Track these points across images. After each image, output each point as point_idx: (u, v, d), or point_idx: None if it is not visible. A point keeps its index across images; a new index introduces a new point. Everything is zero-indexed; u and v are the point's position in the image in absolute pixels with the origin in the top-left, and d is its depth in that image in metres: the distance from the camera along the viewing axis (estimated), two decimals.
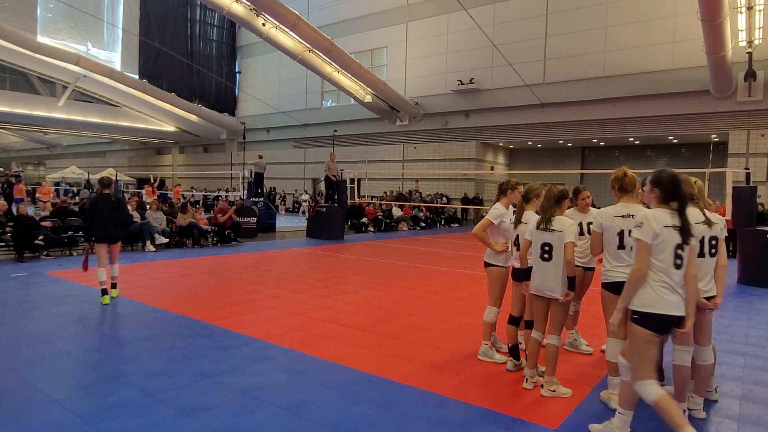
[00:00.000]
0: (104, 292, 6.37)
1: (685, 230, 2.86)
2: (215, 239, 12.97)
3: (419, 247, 13.85)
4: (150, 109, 32.53)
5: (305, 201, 24.21)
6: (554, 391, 3.72)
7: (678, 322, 2.90)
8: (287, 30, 19.40)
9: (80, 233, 10.77)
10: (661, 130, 18.77)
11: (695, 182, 3.53)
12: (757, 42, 15.29)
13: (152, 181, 23.48)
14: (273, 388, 3.77)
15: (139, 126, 34.46)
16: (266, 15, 19.05)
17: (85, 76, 29.72)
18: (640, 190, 3.50)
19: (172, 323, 5.48)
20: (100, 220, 6.38)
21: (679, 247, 2.86)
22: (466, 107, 23.20)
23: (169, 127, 35.15)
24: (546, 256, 3.72)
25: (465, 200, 23.10)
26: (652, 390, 2.83)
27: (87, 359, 4.34)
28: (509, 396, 3.74)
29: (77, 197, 24.11)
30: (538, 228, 3.77)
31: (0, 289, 7.00)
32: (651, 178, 3.03)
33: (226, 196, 24.19)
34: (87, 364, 4.23)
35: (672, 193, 2.93)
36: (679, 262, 2.87)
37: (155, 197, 17.36)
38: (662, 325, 2.88)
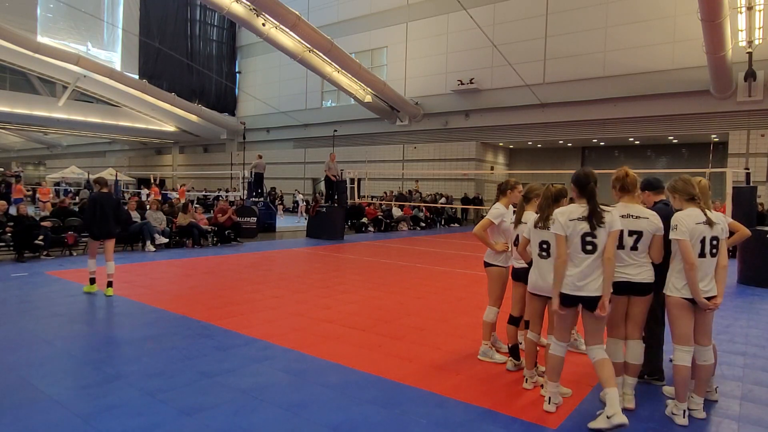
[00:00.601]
0: (92, 281, 6.78)
1: (591, 218, 3.23)
2: (215, 239, 12.97)
3: (419, 247, 13.85)
4: (150, 109, 32.52)
5: (302, 201, 24.29)
6: None
7: (578, 301, 3.31)
8: (287, 30, 19.39)
9: (81, 234, 10.78)
10: (661, 130, 18.77)
11: (699, 182, 3.52)
12: (757, 42, 15.28)
13: (153, 181, 23.46)
14: (273, 388, 3.77)
15: (139, 126, 34.46)
16: (266, 15, 19.04)
17: (85, 76, 29.73)
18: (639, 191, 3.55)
19: (172, 323, 5.47)
20: (101, 217, 6.71)
21: (588, 234, 3.24)
22: (466, 107, 23.20)
23: (169, 127, 35.15)
24: (544, 254, 3.71)
25: (465, 200, 23.11)
26: (556, 348, 3.49)
27: (87, 359, 4.34)
28: (509, 396, 3.74)
29: (77, 197, 24.11)
30: (535, 226, 3.77)
31: (0, 289, 7.00)
32: (571, 178, 3.43)
33: (226, 196, 24.19)
34: (87, 364, 4.23)
35: (582, 189, 3.33)
36: (589, 248, 3.26)
37: (158, 197, 17.36)
38: (565, 300, 3.34)
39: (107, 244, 6.82)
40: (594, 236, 3.25)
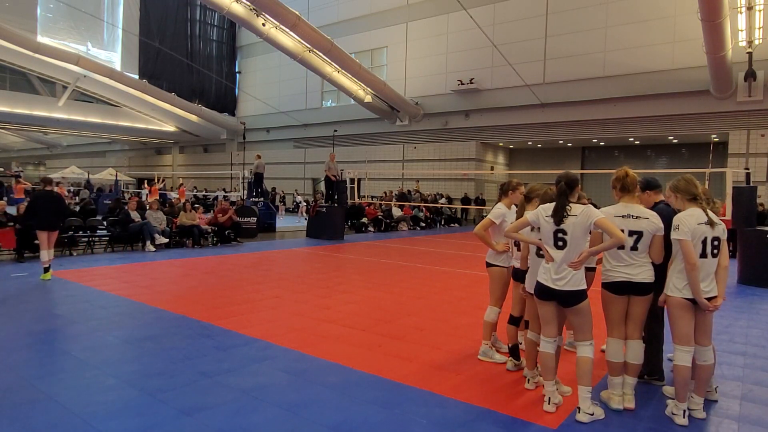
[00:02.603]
0: (46, 270, 7.61)
1: (555, 215, 3.37)
2: (215, 239, 12.97)
3: (419, 247, 13.85)
4: (150, 109, 32.52)
5: (303, 202, 24.31)
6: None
7: (551, 292, 3.40)
8: (287, 30, 19.40)
9: (80, 233, 10.86)
10: (661, 130, 18.77)
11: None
12: (757, 42, 15.28)
13: (156, 181, 23.37)
14: (273, 388, 3.77)
15: (139, 126, 34.46)
16: (266, 15, 19.05)
17: (85, 76, 29.74)
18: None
19: (172, 323, 5.47)
20: (43, 212, 7.58)
21: (559, 231, 3.38)
22: (466, 107, 23.20)
23: (169, 127, 35.15)
24: (541, 254, 3.71)
25: (465, 200, 23.12)
26: (545, 345, 3.55)
27: (87, 359, 4.34)
28: (509, 396, 3.74)
29: (77, 197, 24.10)
30: (532, 229, 3.76)
31: (0, 289, 7.00)
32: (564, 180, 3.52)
33: (226, 196, 24.18)
34: (87, 364, 4.23)
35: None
36: (560, 243, 3.39)
37: (156, 197, 17.34)
38: (538, 290, 3.49)
39: (51, 236, 7.68)
40: (565, 233, 3.36)
